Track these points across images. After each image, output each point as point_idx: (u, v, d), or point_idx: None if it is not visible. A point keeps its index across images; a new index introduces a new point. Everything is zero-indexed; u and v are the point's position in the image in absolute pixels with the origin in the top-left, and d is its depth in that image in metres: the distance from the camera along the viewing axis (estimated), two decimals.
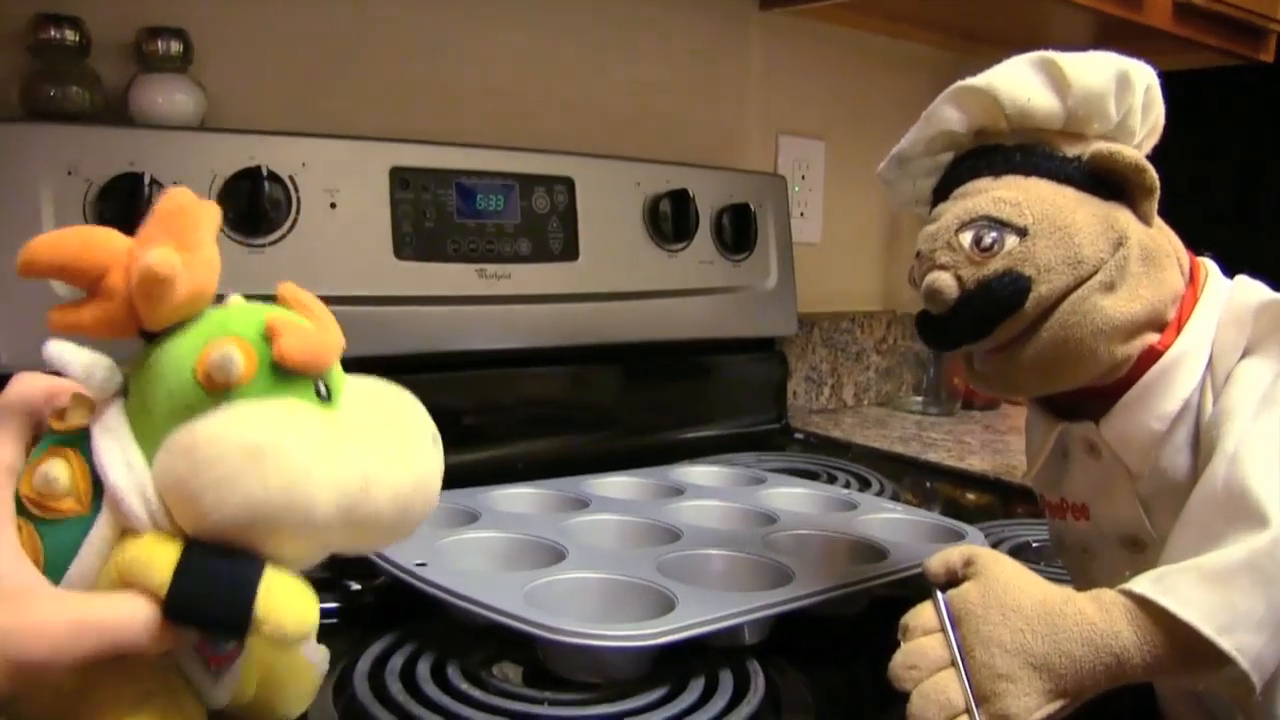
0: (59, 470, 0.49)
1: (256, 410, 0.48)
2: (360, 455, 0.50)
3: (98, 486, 0.48)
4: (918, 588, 0.90)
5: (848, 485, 1.30)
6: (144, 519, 0.47)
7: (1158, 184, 0.67)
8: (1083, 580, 0.80)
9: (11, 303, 0.98)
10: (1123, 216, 0.67)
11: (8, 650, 0.44)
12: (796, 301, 1.62)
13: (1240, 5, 1.78)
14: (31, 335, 0.96)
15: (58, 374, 0.51)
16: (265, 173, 1.10)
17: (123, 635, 0.46)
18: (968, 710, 0.60)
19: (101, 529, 0.48)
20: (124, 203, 1.01)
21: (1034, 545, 1.12)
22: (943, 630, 0.62)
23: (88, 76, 1.08)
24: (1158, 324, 0.68)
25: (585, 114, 1.55)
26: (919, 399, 1.97)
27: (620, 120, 1.59)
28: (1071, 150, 0.68)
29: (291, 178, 1.14)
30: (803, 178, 1.86)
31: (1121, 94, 0.68)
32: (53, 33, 1.06)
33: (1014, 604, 0.61)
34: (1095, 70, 0.67)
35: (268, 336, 0.50)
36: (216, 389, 0.48)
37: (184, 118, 1.13)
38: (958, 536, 0.98)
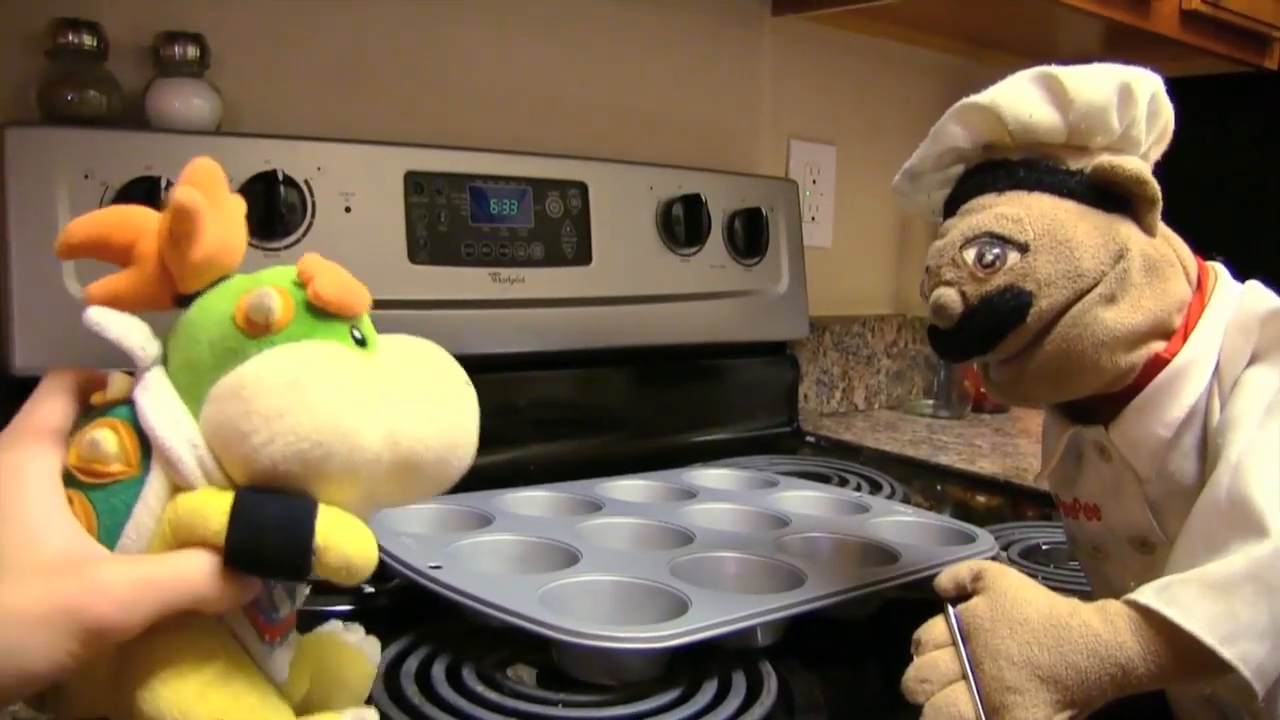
0: (104, 435, 0.49)
1: (298, 348, 0.49)
2: (401, 393, 0.51)
3: (145, 449, 0.49)
4: (929, 590, 0.91)
5: (859, 488, 1.31)
6: (195, 471, 0.48)
7: (1159, 195, 0.68)
8: (1096, 579, 0.82)
9: (29, 307, 0.99)
10: (1125, 228, 0.68)
11: (80, 616, 0.44)
12: (808, 305, 1.63)
13: (1245, 13, 1.79)
14: (48, 340, 0.98)
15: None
16: (281, 176, 1.10)
17: (187, 589, 0.46)
18: None
19: (154, 487, 0.48)
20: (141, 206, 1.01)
21: (1044, 548, 1.12)
22: (954, 644, 0.64)
23: (105, 81, 1.09)
24: (1163, 332, 0.68)
25: (598, 119, 1.56)
26: (930, 402, 1.97)
27: (633, 125, 1.60)
28: (1075, 163, 0.69)
29: (307, 182, 1.14)
30: (814, 182, 1.86)
31: (1124, 106, 0.68)
32: (70, 37, 1.06)
33: (1021, 617, 0.62)
34: (1097, 84, 0.68)
35: (301, 282, 0.51)
36: (257, 331, 0.49)
37: (200, 122, 1.14)
38: (968, 539, 0.99)
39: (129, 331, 0.51)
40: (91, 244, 0.52)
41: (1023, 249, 0.67)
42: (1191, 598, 0.60)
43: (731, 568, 0.89)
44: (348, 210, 1.17)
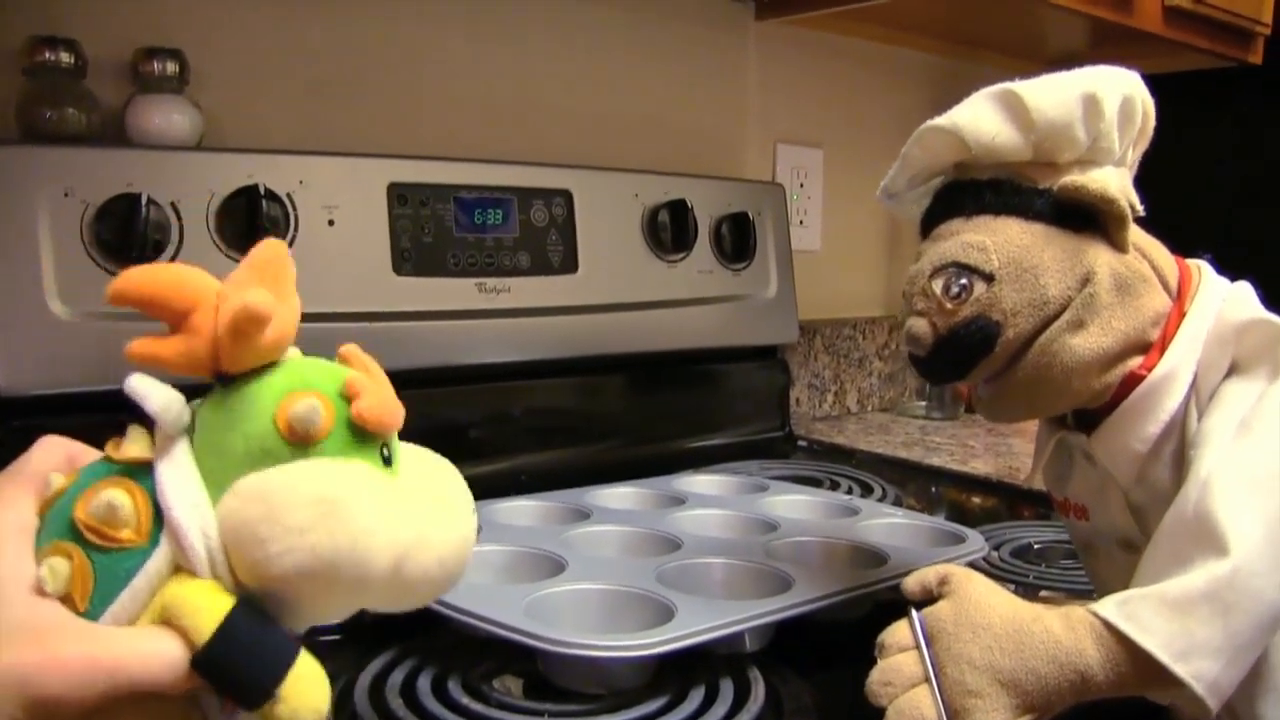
0: (121, 499, 0.48)
1: (332, 467, 0.49)
2: (415, 520, 0.51)
3: (158, 521, 0.48)
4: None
5: (850, 491, 1.30)
6: (203, 558, 0.48)
7: (1128, 213, 0.68)
8: (1091, 575, 0.82)
9: (9, 327, 0.98)
10: (1093, 248, 0.68)
11: (29, 688, 0.44)
12: (797, 309, 1.62)
13: (1228, 8, 1.79)
14: (29, 360, 0.97)
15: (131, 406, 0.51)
16: (263, 191, 1.10)
17: (148, 677, 0.46)
18: None
19: (158, 563, 0.48)
20: (121, 223, 1.01)
21: (1036, 547, 1.12)
22: (917, 648, 0.65)
23: (84, 98, 1.09)
24: (1138, 349, 0.69)
25: (582, 126, 1.56)
26: (922, 404, 1.97)
27: (618, 132, 1.60)
28: (1044, 181, 0.69)
29: (289, 195, 1.14)
30: (801, 186, 1.86)
31: (1089, 119, 0.68)
32: (48, 55, 1.05)
33: (984, 622, 0.63)
34: (1058, 100, 0.68)
35: (346, 395, 0.51)
36: (296, 440, 0.49)
37: (181, 138, 1.13)
38: (959, 540, 0.98)
39: (168, 406, 0.50)
40: (145, 301, 0.50)
41: (988, 279, 0.67)
42: (1149, 614, 0.61)
43: (719, 574, 0.89)
44: (331, 223, 1.17)
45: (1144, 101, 0.71)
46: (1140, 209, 0.72)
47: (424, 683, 0.74)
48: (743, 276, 1.54)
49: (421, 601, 0.54)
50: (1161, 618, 0.61)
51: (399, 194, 1.22)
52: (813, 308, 1.79)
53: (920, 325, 0.69)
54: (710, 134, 1.73)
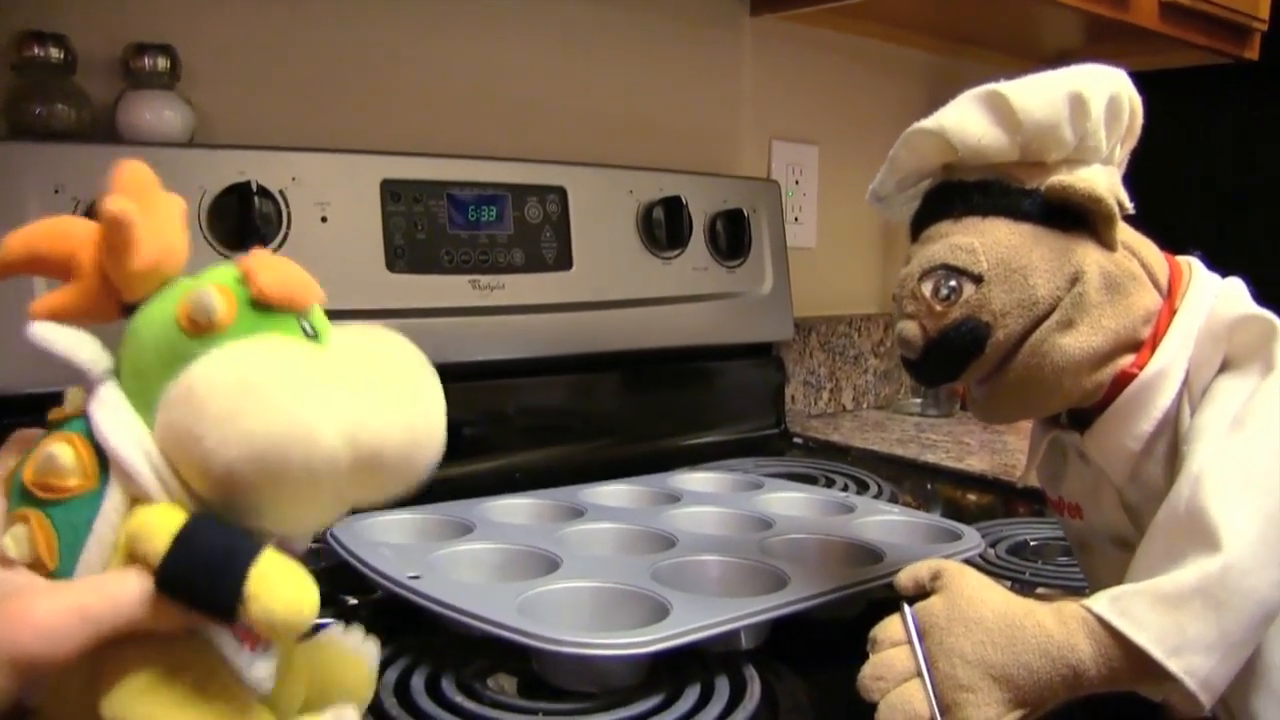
0: (60, 449, 0.48)
1: (245, 345, 0.48)
2: (357, 386, 0.49)
3: (103, 462, 0.48)
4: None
5: (846, 488, 1.30)
6: (152, 481, 0.47)
7: (1116, 211, 0.68)
8: (1086, 573, 0.82)
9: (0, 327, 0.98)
10: (1082, 248, 0.68)
11: (6, 649, 0.44)
12: (792, 306, 1.62)
13: (1224, 4, 1.79)
14: (17, 357, 0.96)
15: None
16: (255, 187, 1.09)
17: (121, 614, 0.45)
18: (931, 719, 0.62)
19: (113, 500, 0.47)
20: None
21: (1032, 544, 1.12)
22: (909, 642, 0.65)
23: (74, 94, 1.08)
24: (1129, 347, 0.68)
25: (577, 123, 1.55)
26: (918, 401, 1.96)
27: (612, 128, 1.59)
28: (1031, 181, 0.69)
29: (282, 192, 1.13)
30: (796, 182, 1.85)
31: (1076, 118, 0.68)
32: (37, 50, 1.05)
33: (976, 616, 0.63)
34: (1044, 100, 0.67)
35: (243, 279, 0.50)
36: (201, 331, 0.48)
37: (172, 134, 1.13)
38: (954, 537, 0.98)
39: (77, 346, 0.50)
40: (26, 260, 0.51)
41: (977, 280, 0.67)
42: (1142, 609, 0.61)
43: (714, 571, 0.88)
44: (324, 220, 1.16)
45: (1131, 99, 0.71)
46: (1129, 206, 0.72)
47: (418, 681, 0.73)
48: (738, 273, 1.53)
49: (404, 481, 0.51)
50: (1154, 613, 0.61)
51: (392, 190, 1.22)
52: (808, 305, 1.79)
53: (911, 328, 0.69)
54: (705, 130, 1.72)
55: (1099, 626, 0.61)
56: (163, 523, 0.46)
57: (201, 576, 0.46)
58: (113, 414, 0.48)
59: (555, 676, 0.74)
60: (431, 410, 0.52)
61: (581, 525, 0.98)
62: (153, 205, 0.51)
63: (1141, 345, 0.68)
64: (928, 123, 0.71)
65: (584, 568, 0.84)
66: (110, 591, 0.46)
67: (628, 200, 1.43)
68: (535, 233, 1.33)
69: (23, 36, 1.05)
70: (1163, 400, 0.68)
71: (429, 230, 1.24)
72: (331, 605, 0.86)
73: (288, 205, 1.14)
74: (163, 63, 1.12)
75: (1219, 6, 1.78)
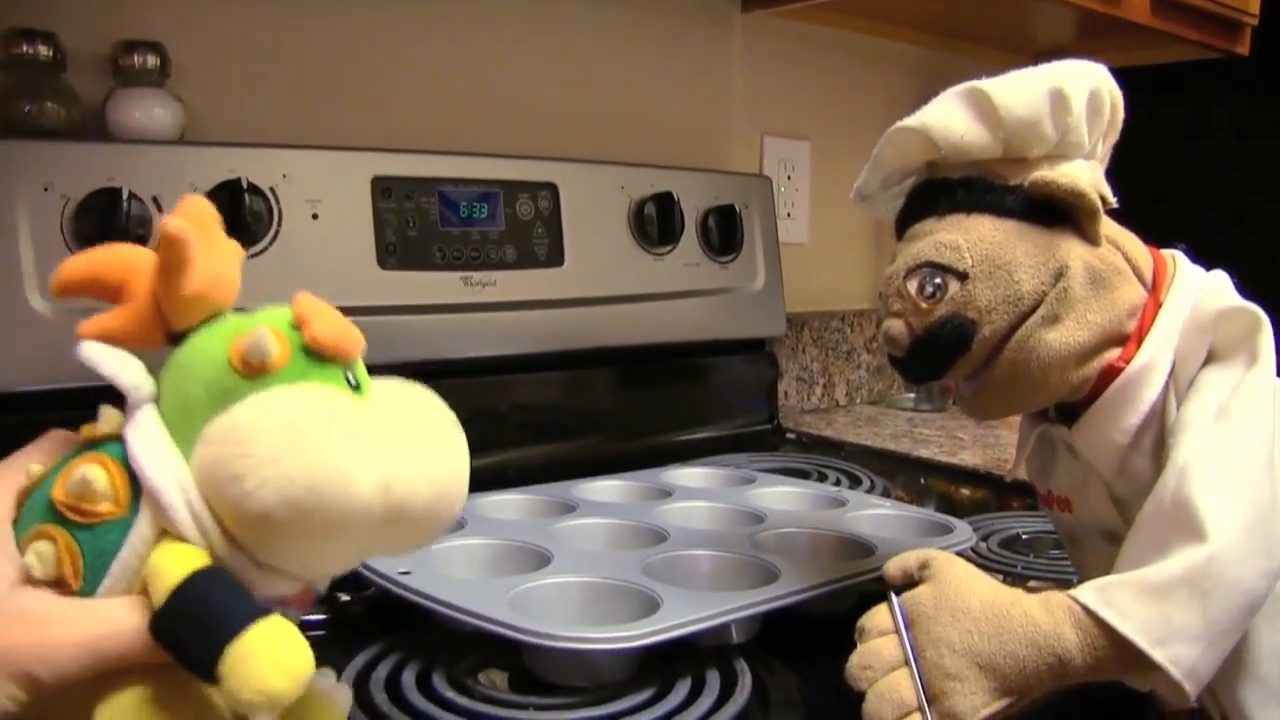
0: (95, 473, 0.48)
1: (294, 392, 0.48)
2: (394, 440, 0.50)
3: (135, 488, 0.48)
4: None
5: (838, 483, 1.30)
6: (184, 516, 0.47)
7: (1099, 206, 0.68)
8: (1077, 566, 0.83)
9: None
10: (1066, 243, 0.68)
11: (16, 668, 0.45)
12: (785, 302, 1.62)
13: None
14: (10, 355, 0.97)
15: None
16: (246, 185, 1.09)
17: (118, 646, 0.46)
18: (919, 709, 0.62)
19: (141, 530, 0.48)
20: (102, 218, 1.00)
21: (1024, 537, 1.12)
22: (896, 632, 0.65)
23: (63, 92, 1.08)
24: (1115, 341, 0.69)
25: (568, 119, 1.55)
26: (910, 396, 1.96)
27: (603, 124, 1.59)
28: (1014, 178, 0.69)
29: (272, 189, 1.13)
30: (788, 178, 1.85)
31: (1057, 114, 0.68)
32: (25, 48, 1.04)
33: (963, 606, 0.64)
34: (1025, 96, 0.68)
35: (297, 324, 0.50)
36: (252, 373, 0.48)
37: (162, 132, 1.13)
38: (946, 531, 0.98)
39: (123, 368, 0.50)
40: (85, 283, 0.52)
41: (962, 277, 0.68)
42: (1128, 599, 0.61)
43: (705, 565, 0.88)
44: (315, 217, 1.16)
45: (1111, 93, 0.71)
46: (1112, 201, 0.72)
47: (409, 677, 0.73)
48: (730, 269, 1.53)
49: (427, 535, 0.53)
50: (1140, 603, 0.61)
51: (383, 187, 1.22)
52: (801, 300, 1.79)
53: (897, 326, 0.70)
54: (697, 127, 1.72)
55: (1085, 616, 0.62)
56: (172, 568, 0.46)
57: (187, 637, 0.46)
58: (150, 442, 0.49)
59: (546, 671, 0.74)
60: (459, 467, 0.53)
61: (573, 520, 0.98)
62: (210, 237, 0.52)
63: (1127, 339, 0.69)
64: (910, 121, 0.71)
65: (575, 563, 0.84)
66: (115, 625, 0.46)
67: (619, 196, 1.43)
68: (527, 229, 1.33)
69: (11, 34, 1.05)
70: (1149, 393, 0.68)
71: (420, 227, 1.24)
72: (324, 602, 0.86)
73: (278, 202, 1.13)
74: (152, 60, 1.12)
75: (1210, 1, 1.78)
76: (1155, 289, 0.70)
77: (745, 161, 1.80)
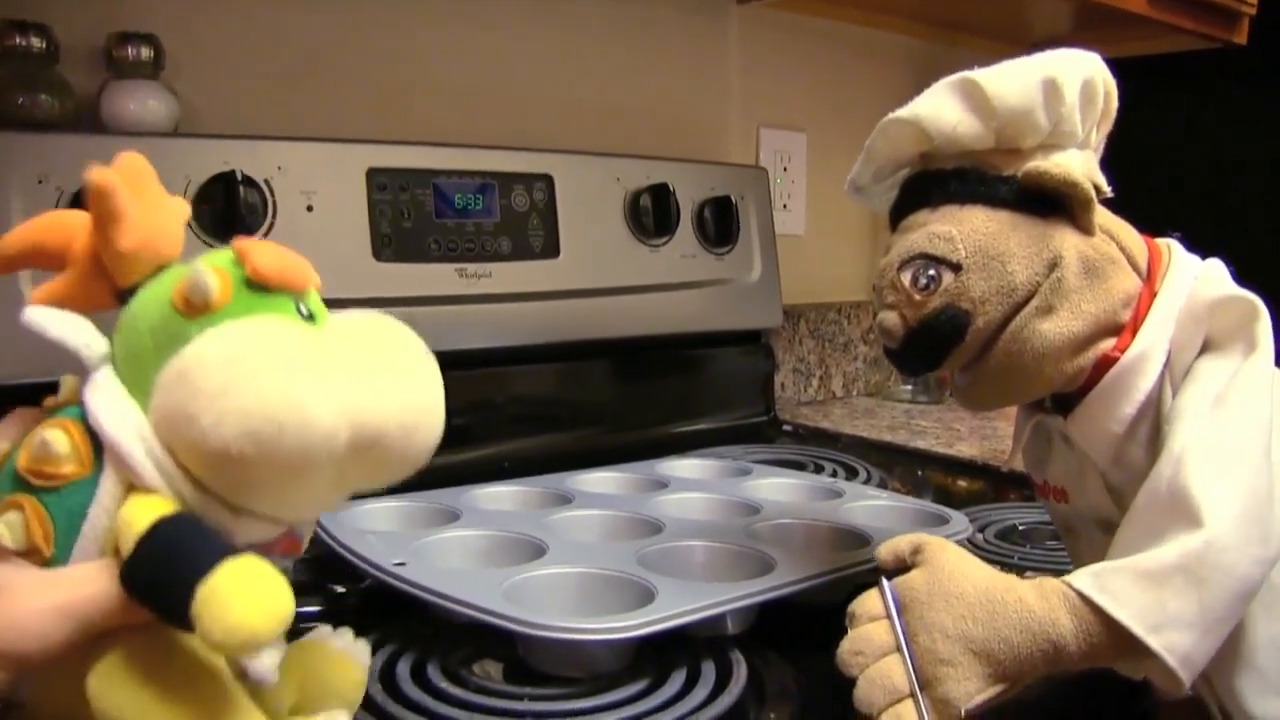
0: (54, 435, 0.48)
1: (240, 324, 0.48)
2: (354, 367, 0.49)
3: (98, 448, 0.48)
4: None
5: (835, 475, 1.30)
6: (147, 466, 0.47)
7: (1092, 195, 0.68)
8: (1072, 556, 0.82)
9: None
10: (1060, 233, 0.68)
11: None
12: (781, 293, 1.62)
13: None
14: (3, 345, 0.96)
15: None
16: (240, 177, 1.09)
17: (95, 609, 0.46)
18: (911, 694, 0.62)
19: (107, 487, 0.48)
20: None
21: (1020, 528, 1.12)
22: (888, 617, 0.65)
23: (57, 84, 1.08)
24: (1109, 331, 0.68)
25: (563, 110, 1.55)
26: (908, 388, 1.96)
27: (599, 116, 1.59)
28: (1008, 168, 0.69)
29: (267, 181, 1.13)
30: (785, 169, 1.85)
31: (1050, 103, 0.68)
32: (19, 40, 1.04)
33: (957, 591, 0.63)
34: (1018, 86, 0.67)
35: (238, 260, 0.50)
36: (196, 312, 0.48)
37: (156, 124, 1.12)
38: (942, 521, 0.98)
39: (71, 330, 0.50)
40: (26, 254, 0.52)
41: (956, 268, 0.67)
42: (1124, 586, 0.61)
43: (700, 556, 0.88)
44: (310, 209, 1.16)
45: (1105, 82, 0.71)
46: (1107, 190, 0.72)
47: (403, 668, 0.73)
48: (726, 261, 1.53)
49: (405, 463, 0.52)
50: (1136, 589, 0.61)
51: (378, 179, 1.21)
52: (797, 292, 1.79)
53: (891, 318, 0.69)
54: (693, 118, 1.72)
55: (1080, 602, 0.62)
56: (140, 518, 0.46)
57: (157, 584, 0.45)
58: (107, 399, 0.48)
59: (541, 661, 0.74)
60: (431, 394, 0.52)
61: (568, 512, 0.98)
62: (144, 189, 0.51)
63: (1122, 328, 0.68)
64: (903, 112, 0.71)
65: (570, 553, 0.84)
66: (89, 587, 0.46)
67: (615, 188, 1.42)
68: (522, 221, 1.33)
69: (5, 26, 1.05)
70: (1144, 383, 0.68)
71: (415, 219, 1.24)
72: (319, 593, 0.86)
73: (273, 194, 1.13)
74: (146, 52, 1.12)
75: None
76: (1150, 278, 0.70)
77: (741, 153, 1.80)
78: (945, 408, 1.87)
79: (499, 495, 1.04)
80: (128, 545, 0.45)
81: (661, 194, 1.43)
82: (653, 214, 1.44)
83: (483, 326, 1.29)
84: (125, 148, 1.03)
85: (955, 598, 0.63)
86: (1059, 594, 0.62)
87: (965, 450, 1.50)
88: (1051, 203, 0.68)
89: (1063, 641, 0.61)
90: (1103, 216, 0.69)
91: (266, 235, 1.12)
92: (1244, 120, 2.00)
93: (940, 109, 0.69)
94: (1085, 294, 0.67)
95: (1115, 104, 0.73)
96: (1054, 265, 0.67)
